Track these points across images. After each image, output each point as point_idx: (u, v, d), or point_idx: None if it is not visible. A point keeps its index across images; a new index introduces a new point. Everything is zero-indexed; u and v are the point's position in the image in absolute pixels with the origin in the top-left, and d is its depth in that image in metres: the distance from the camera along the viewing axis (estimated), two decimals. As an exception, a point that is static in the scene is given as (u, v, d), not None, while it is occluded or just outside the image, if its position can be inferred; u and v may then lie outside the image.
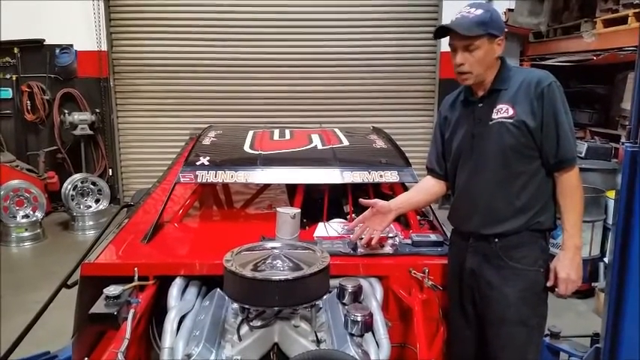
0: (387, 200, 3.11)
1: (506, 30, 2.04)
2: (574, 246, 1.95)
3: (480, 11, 1.91)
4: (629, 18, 4.24)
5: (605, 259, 4.21)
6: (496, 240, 1.98)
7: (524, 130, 1.90)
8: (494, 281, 1.99)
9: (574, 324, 3.76)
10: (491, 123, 1.96)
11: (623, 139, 1.98)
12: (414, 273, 2.17)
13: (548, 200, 1.98)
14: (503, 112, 1.93)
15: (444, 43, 7.03)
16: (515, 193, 1.95)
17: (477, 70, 1.95)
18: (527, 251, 1.97)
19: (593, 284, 4.31)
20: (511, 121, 1.91)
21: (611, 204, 4.24)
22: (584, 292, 4.37)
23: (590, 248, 4.35)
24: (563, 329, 2.75)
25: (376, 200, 2.19)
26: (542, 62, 6.15)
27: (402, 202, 2.24)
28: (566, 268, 1.94)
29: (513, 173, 1.95)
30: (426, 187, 2.27)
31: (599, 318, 3.36)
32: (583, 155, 4.80)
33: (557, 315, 3.97)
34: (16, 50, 6.84)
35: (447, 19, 7.04)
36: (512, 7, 6.46)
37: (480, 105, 2.01)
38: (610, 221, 4.20)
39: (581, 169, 4.62)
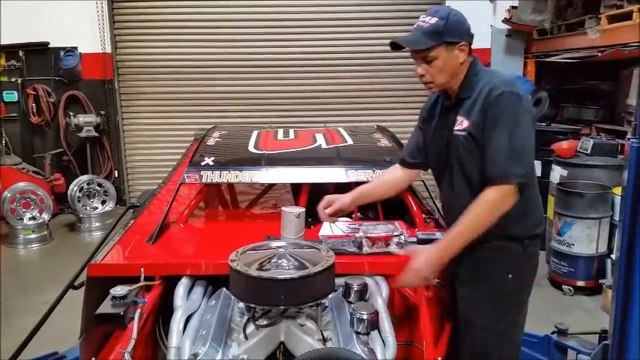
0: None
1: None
2: (441, 248, 1.84)
3: (434, 20, 1.84)
4: (634, 14, 4.21)
5: (612, 256, 4.19)
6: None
7: (473, 142, 1.85)
8: (465, 282, 1.99)
9: (581, 321, 3.76)
10: (454, 134, 1.92)
11: (629, 135, 1.98)
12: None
13: (523, 211, 1.88)
14: (458, 123, 1.89)
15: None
16: None
17: (439, 80, 1.90)
18: (499, 256, 1.91)
19: (600, 281, 4.29)
20: (464, 133, 1.87)
21: (617, 200, 4.23)
22: (592, 289, 4.36)
23: (597, 245, 4.34)
24: (571, 326, 2.75)
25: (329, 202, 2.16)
26: (547, 59, 6.13)
27: (358, 195, 2.21)
28: (417, 260, 1.83)
29: (478, 184, 1.88)
30: (387, 180, 2.27)
31: (606, 315, 3.36)
32: (589, 152, 4.79)
33: (564, 312, 4.01)
34: (21, 53, 6.87)
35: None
36: (516, 4, 6.43)
37: (453, 112, 1.96)
38: (617, 218, 4.18)
39: (588, 166, 4.66)
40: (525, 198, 1.87)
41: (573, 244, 4.36)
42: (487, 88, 1.82)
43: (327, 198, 2.14)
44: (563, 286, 4.44)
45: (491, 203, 1.78)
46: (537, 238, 1.96)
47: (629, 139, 1.94)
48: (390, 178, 2.28)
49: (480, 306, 1.93)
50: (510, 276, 1.89)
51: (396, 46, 1.91)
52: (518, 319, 1.97)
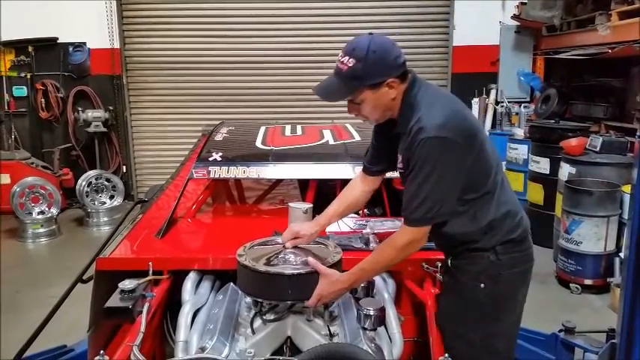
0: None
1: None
2: (346, 280, 1.77)
3: (351, 62, 1.66)
4: (645, 10, 4.19)
5: (621, 255, 4.16)
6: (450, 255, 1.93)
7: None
8: (443, 288, 1.97)
9: (589, 319, 3.74)
10: (399, 171, 1.85)
11: (638, 133, 1.96)
12: (427, 267, 2.16)
13: (486, 228, 1.79)
14: (399, 162, 1.81)
15: (457, 38, 7.02)
16: (440, 230, 1.80)
17: (373, 116, 1.81)
18: (471, 266, 1.83)
19: (608, 280, 4.27)
20: (402, 171, 1.80)
21: (626, 198, 4.20)
22: (600, 288, 4.34)
23: (605, 243, 4.31)
24: (579, 325, 2.72)
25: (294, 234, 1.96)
26: (556, 56, 6.09)
27: (327, 218, 2.06)
28: (321, 287, 1.74)
29: None
30: (354, 196, 2.11)
31: (614, 314, 3.34)
32: (598, 150, 4.75)
33: (572, 310, 3.99)
34: (30, 49, 6.91)
35: (458, 13, 6.99)
36: (525, 0, 6.39)
37: (397, 145, 1.83)
38: (626, 216, 4.15)
39: (597, 164, 4.63)
40: (487, 216, 1.79)
41: (581, 242, 4.34)
42: (416, 127, 1.66)
43: (292, 229, 1.97)
44: (570, 285, 4.41)
45: (401, 245, 1.74)
46: (513, 242, 1.82)
47: (638, 136, 1.92)
48: (352, 198, 2.10)
49: (452, 315, 1.89)
50: (483, 285, 1.80)
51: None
52: (498, 329, 1.87)
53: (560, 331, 2.71)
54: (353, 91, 1.72)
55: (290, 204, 2.37)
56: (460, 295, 1.87)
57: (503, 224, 1.81)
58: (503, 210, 1.82)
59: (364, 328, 1.77)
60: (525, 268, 1.88)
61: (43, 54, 6.98)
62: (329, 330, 1.81)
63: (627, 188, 4.20)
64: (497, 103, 6.74)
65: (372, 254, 1.83)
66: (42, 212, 5.90)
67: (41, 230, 5.87)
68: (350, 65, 1.67)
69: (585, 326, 2.85)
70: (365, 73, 1.67)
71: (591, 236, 4.31)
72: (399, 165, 1.82)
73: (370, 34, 1.74)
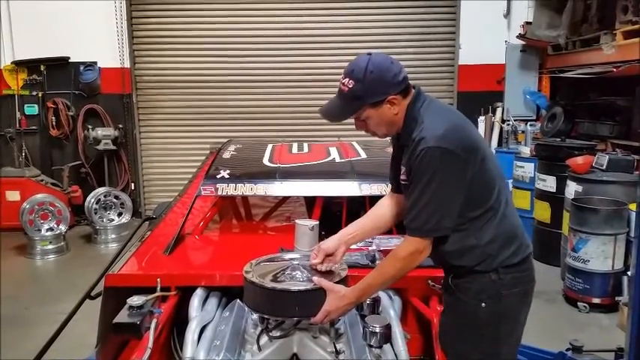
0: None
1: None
2: (353, 296, 1.76)
3: (351, 83, 1.73)
4: (650, 30, 4.22)
5: (629, 273, 4.14)
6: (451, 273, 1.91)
7: None
8: (444, 308, 1.95)
9: (597, 338, 3.71)
10: (401, 183, 1.87)
11: (643, 151, 1.96)
12: (433, 285, 2.16)
13: (486, 247, 1.77)
14: (403, 173, 1.83)
15: (462, 57, 7.08)
16: (439, 248, 1.79)
17: (380, 132, 1.85)
18: (472, 284, 1.81)
19: (616, 298, 4.24)
20: (406, 183, 1.81)
21: (633, 216, 4.18)
22: (608, 307, 4.30)
23: (612, 262, 4.29)
24: (586, 343, 2.71)
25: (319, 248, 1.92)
26: (562, 75, 6.12)
27: (354, 231, 1.98)
28: (329, 303, 1.74)
29: None
30: (381, 212, 2.06)
31: (623, 332, 3.31)
32: (604, 168, 4.75)
33: (579, 329, 3.97)
34: (42, 68, 7.02)
35: (464, 32, 7.01)
36: (531, 20, 6.45)
37: (401, 157, 1.87)
38: (633, 234, 4.13)
39: (603, 182, 4.61)
40: (487, 236, 1.77)
41: (589, 261, 4.32)
42: (418, 138, 1.70)
43: (324, 248, 1.92)
44: (578, 303, 4.38)
45: (403, 256, 1.75)
46: (516, 266, 1.80)
47: (644, 155, 1.93)
48: (378, 215, 2.06)
49: (453, 335, 1.88)
50: (484, 305, 1.78)
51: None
52: (499, 349, 1.83)
53: (567, 349, 2.69)
54: (355, 110, 1.78)
55: (296, 221, 2.39)
56: (460, 314, 1.85)
57: (504, 249, 1.79)
58: (504, 234, 1.80)
59: (370, 346, 1.77)
60: (526, 288, 1.86)
61: (54, 73, 7.08)
62: (335, 347, 1.82)
63: (634, 206, 4.19)
64: (503, 121, 6.77)
65: (377, 267, 1.85)
66: (51, 229, 5.94)
67: (50, 247, 5.89)
68: (350, 86, 1.74)
69: (593, 345, 2.84)
70: (364, 93, 1.73)
71: (598, 254, 4.29)
72: (403, 177, 1.83)
73: (369, 54, 1.78)
